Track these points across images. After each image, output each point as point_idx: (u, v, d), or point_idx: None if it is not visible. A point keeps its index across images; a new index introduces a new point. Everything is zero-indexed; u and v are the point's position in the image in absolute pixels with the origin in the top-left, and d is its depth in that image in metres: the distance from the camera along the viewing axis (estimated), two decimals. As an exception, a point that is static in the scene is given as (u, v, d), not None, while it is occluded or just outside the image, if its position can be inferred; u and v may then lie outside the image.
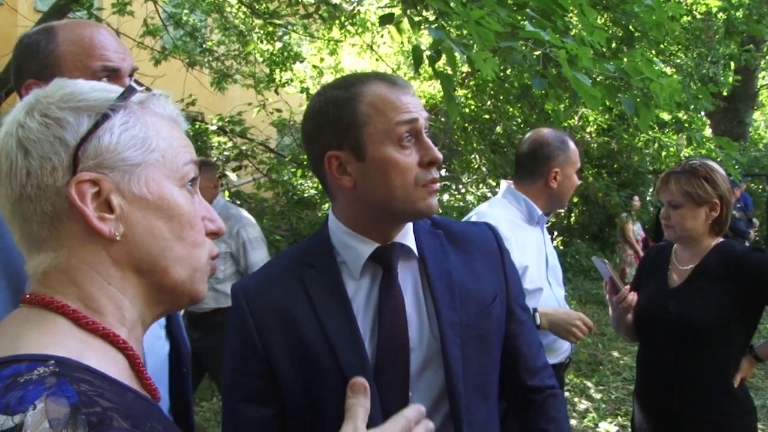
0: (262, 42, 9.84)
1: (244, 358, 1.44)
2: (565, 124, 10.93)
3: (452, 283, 1.50)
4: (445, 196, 9.57)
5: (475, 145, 10.49)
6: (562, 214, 14.58)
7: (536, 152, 2.93)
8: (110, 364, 0.84)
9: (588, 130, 12.32)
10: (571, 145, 2.97)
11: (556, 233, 14.23)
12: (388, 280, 1.46)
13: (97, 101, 0.88)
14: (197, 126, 8.54)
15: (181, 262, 0.94)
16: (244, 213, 4.38)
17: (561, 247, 13.27)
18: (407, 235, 1.51)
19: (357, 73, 1.53)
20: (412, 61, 3.58)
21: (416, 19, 3.26)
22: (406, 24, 3.71)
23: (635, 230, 10.24)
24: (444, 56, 2.95)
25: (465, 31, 3.07)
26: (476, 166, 10.85)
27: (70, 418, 0.69)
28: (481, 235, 1.64)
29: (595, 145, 12.54)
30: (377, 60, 11.11)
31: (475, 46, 3.01)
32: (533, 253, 2.85)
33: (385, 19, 3.61)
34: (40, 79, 1.50)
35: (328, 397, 1.35)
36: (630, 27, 4.49)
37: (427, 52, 3.14)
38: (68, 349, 0.80)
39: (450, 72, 3.52)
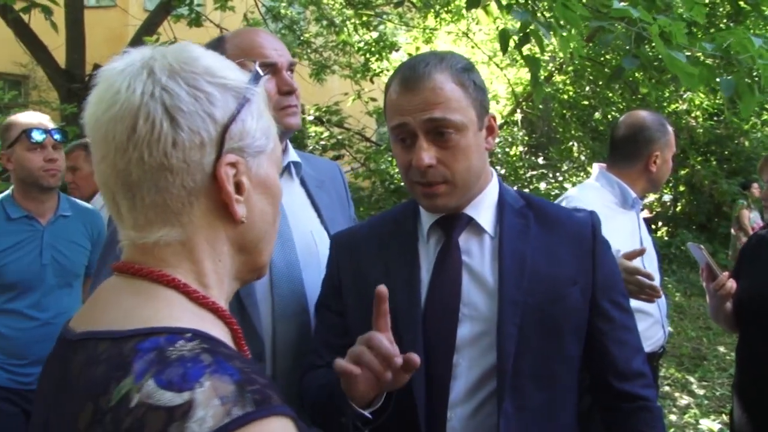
0: (357, 32, 9.96)
1: (327, 284, 1.69)
2: (669, 109, 10.49)
3: (524, 263, 1.48)
4: (542, 185, 9.41)
5: (573, 132, 10.23)
6: (668, 204, 14.00)
7: (636, 135, 2.86)
8: (224, 337, 0.86)
9: (694, 114, 11.75)
10: (670, 128, 2.90)
11: (660, 223, 13.69)
12: (446, 248, 1.54)
13: (236, 81, 0.89)
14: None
15: (270, 245, 0.99)
16: None
17: (666, 238, 12.76)
18: (479, 209, 1.54)
19: (404, 63, 1.54)
20: (509, 53, 3.54)
21: (504, 2, 3.22)
22: (493, 7, 3.68)
23: (752, 218, 9.64)
24: (532, 39, 2.91)
25: (553, 13, 3.01)
26: (575, 153, 10.59)
27: (238, 396, 0.71)
28: (577, 220, 1.57)
29: (702, 131, 11.94)
30: (473, 47, 11.02)
31: (566, 28, 2.95)
32: (626, 237, 2.78)
33: (472, 3, 3.58)
34: None
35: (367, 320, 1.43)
36: (739, -1, 4.23)
37: (515, 36, 3.10)
38: (190, 322, 0.82)
39: (537, 55, 3.47)
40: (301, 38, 10.30)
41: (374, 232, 1.67)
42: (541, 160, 10.71)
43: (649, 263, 2.87)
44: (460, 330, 1.48)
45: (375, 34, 10.23)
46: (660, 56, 2.60)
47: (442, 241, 1.55)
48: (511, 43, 3.08)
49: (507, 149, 9.94)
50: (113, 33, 11.26)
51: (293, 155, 1.94)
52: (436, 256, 1.55)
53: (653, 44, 2.46)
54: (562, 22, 2.87)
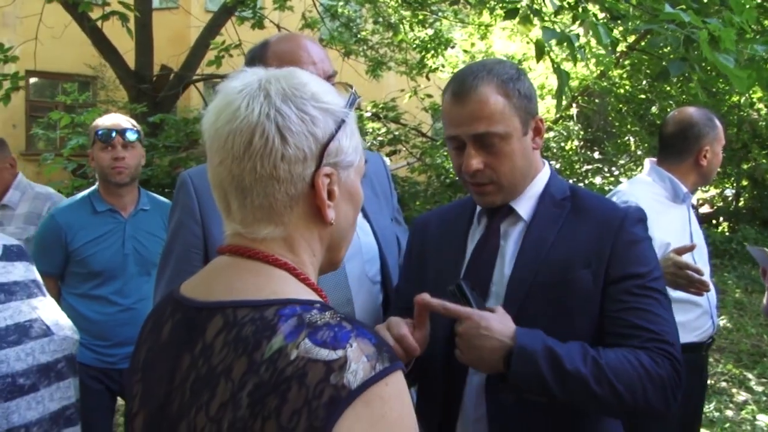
0: (412, 29, 10.06)
1: (404, 256, 1.96)
2: (730, 102, 10.27)
3: (542, 247, 1.62)
4: (598, 179, 9.36)
5: (629, 126, 10.13)
6: (730, 198, 13.69)
7: (686, 132, 2.94)
8: None
9: (756, 107, 11.46)
10: (718, 122, 2.97)
11: (721, 218, 13.40)
12: (486, 234, 1.73)
13: (335, 106, 1.05)
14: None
15: (347, 242, 1.18)
16: (52, 190, 3.91)
17: (727, 233, 12.48)
18: (521, 199, 1.70)
19: (457, 73, 1.71)
20: (565, 45, 3.61)
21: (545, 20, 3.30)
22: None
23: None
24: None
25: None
26: (632, 148, 10.48)
27: (378, 354, 0.90)
28: (610, 210, 1.65)
29: (765, 123, 11.64)
30: (528, 43, 10.99)
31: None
32: (676, 231, 2.86)
33: (510, 14, 3.67)
34: None
35: (423, 288, 1.61)
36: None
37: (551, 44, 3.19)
38: (310, 296, 1.02)
39: (572, 63, 3.53)
40: (358, 36, 10.45)
41: (444, 215, 1.90)
42: (596, 155, 10.62)
43: (699, 257, 2.93)
44: (488, 305, 1.62)
45: (430, 31, 10.32)
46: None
47: (485, 227, 1.75)
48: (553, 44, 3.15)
49: (562, 143, 9.90)
50: (176, 34, 11.63)
51: None
52: (478, 240, 1.74)
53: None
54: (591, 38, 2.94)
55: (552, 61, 3.30)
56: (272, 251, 1.05)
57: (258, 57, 1.91)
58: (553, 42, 3.35)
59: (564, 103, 10.49)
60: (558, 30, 3.40)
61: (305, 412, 0.85)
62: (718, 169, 3.10)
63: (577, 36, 3.35)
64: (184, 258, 1.89)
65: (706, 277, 2.90)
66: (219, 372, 0.93)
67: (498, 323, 1.50)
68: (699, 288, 2.44)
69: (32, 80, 13.65)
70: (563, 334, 1.52)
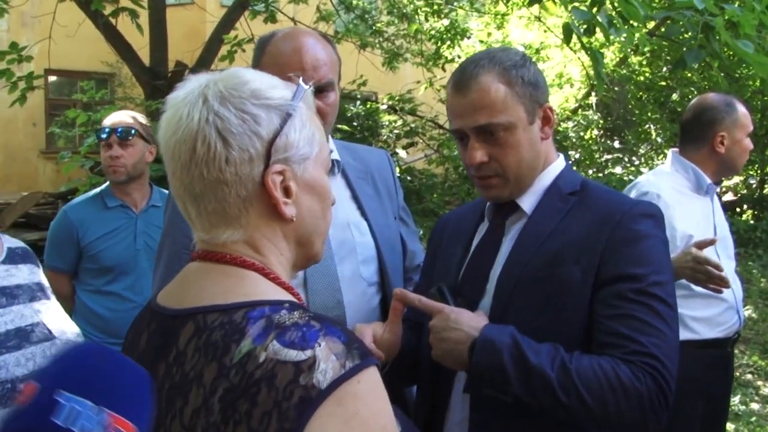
0: (427, 20, 9.98)
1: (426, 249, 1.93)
2: (754, 87, 10.06)
3: (537, 241, 1.53)
4: (618, 169, 9.22)
5: (649, 114, 9.96)
6: (754, 186, 13.45)
7: (700, 117, 2.86)
8: None
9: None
10: (739, 107, 2.85)
11: (745, 206, 13.17)
12: (489, 229, 1.68)
13: (280, 100, 1.04)
14: (368, 106, 8.89)
15: (321, 235, 1.15)
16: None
17: (751, 221, 12.26)
18: (526, 195, 1.62)
19: (461, 63, 1.66)
20: (606, 38, 3.53)
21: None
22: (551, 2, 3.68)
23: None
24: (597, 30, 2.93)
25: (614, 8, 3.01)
26: (653, 136, 10.32)
27: (348, 352, 0.89)
28: (613, 206, 1.53)
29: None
30: (545, 31, 10.85)
31: (629, 23, 2.96)
32: (698, 222, 2.78)
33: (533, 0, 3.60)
34: None
35: (429, 286, 1.63)
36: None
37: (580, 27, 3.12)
38: (280, 296, 1.01)
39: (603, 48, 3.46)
40: (373, 28, 10.38)
41: (461, 213, 1.86)
42: (616, 144, 10.47)
43: (723, 250, 2.85)
44: (482, 303, 1.58)
45: (446, 22, 10.22)
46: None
47: (489, 223, 1.70)
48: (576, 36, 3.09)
49: (581, 133, 9.77)
50: (192, 30, 11.63)
51: (333, 154, 1.96)
52: (481, 237, 1.69)
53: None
54: (624, 17, 2.87)
55: (582, 43, 3.21)
56: (239, 253, 1.04)
57: (261, 48, 1.88)
58: (582, 26, 3.25)
59: (583, 92, 10.38)
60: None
61: (275, 414, 0.85)
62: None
63: (611, 18, 3.27)
64: (175, 257, 1.85)
65: (730, 271, 2.82)
66: (191, 378, 0.93)
67: (468, 317, 1.46)
68: (718, 284, 2.36)
69: (51, 78, 13.75)
70: (549, 332, 1.44)
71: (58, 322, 1.95)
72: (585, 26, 3.19)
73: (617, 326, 1.40)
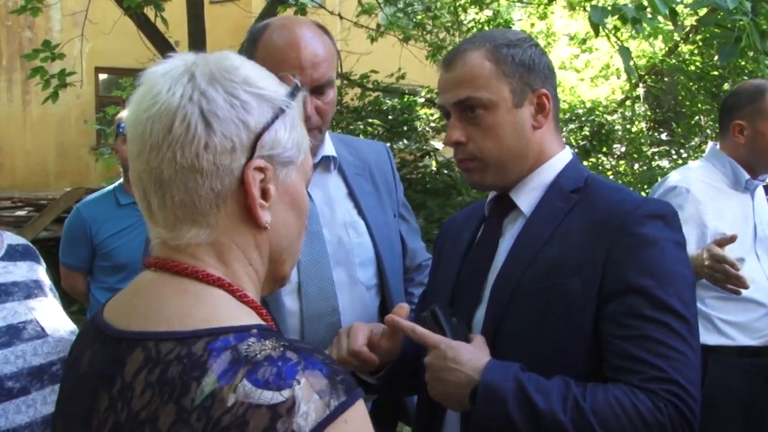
0: (465, 11, 9.82)
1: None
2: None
3: (534, 248, 1.41)
4: (665, 162, 8.91)
5: (699, 105, 9.60)
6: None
7: (725, 103, 2.72)
8: None
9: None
10: None
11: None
12: (485, 231, 1.58)
13: (273, 93, 0.94)
14: (406, 99, 8.80)
15: (293, 257, 1.03)
16: None
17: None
18: (523, 191, 1.51)
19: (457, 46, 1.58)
20: (633, 28, 3.40)
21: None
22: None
23: None
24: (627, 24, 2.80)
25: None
26: (705, 128, 9.94)
27: (332, 388, 0.78)
28: (614, 210, 1.38)
29: None
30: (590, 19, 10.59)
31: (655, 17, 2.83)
32: (736, 220, 2.60)
33: None
34: None
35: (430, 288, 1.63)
36: None
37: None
38: (246, 319, 0.88)
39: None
40: (415, 21, 10.27)
41: (469, 212, 1.77)
42: (664, 136, 10.13)
43: (765, 251, 2.66)
44: (478, 311, 1.48)
45: (489, 13, 10.05)
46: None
47: (486, 222, 1.60)
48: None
49: (628, 126, 9.48)
50: (236, 25, 11.71)
51: (329, 149, 1.87)
52: (478, 237, 1.60)
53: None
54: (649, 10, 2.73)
55: (607, 37, 3.09)
56: (203, 262, 0.91)
57: (253, 40, 1.76)
58: (610, 21, 3.13)
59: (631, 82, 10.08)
60: (609, 8, 3.20)
61: None
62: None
63: (644, 7, 3.12)
64: None
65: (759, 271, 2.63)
66: (142, 420, 0.80)
67: (468, 354, 1.32)
68: (736, 284, 2.17)
69: (102, 76, 14.07)
70: (546, 349, 1.34)
71: (53, 320, 1.93)
72: (616, 18, 3.06)
73: (631, 349, 1.27)
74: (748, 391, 2.52)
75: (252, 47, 1.74)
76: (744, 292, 2.50)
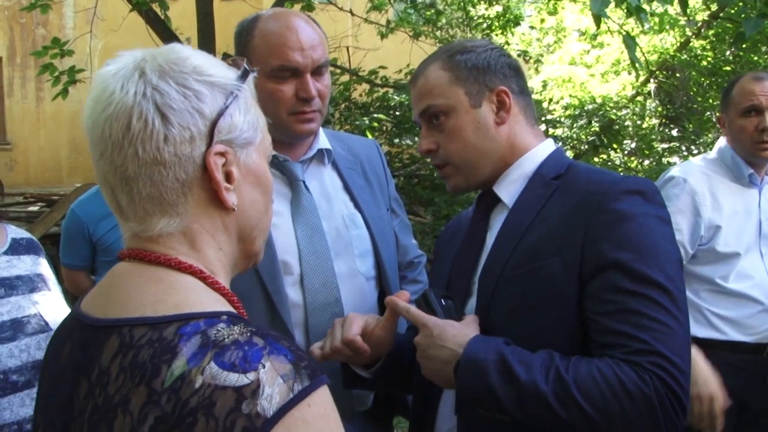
0: (474, 7, 9.79)
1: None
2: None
3: (516, 235, 1.44)
4: (675, 158, 8.85)
5: (711, 101, 9.52)
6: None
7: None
8: None
9: None
10: (741, 81, 2.63)
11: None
12: (474, 223, 1.61)
13: (223, 79, 0.96)
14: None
15: (263, 233, 1.06)
16: None
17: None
18: (504, 183, 1.55)
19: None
20: (637, 18, 3.39)
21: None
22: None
23: None
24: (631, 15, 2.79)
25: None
26: (715, 124, 9.86)
27: (296, 373, 0.81)
28: (592, 189, 1.38)
29: None
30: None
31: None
32: (736, 215, 2.60)
33: None
34: None
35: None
36: None
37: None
38: (216, 306, 0.91)
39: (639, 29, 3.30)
40: (424, 16, 10.25)
41: (467, 213, 1.77)
42: (675, 132, 10.06)
43: (768, 246, 2.65)
44: (469, 303, 1.52)
45: (499, 8, 10.01)
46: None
47: (473, 217, 1.64)
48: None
49: (638, 122, 9.41)
50: (246, 22, 11.76)
51: (324, 142, 1.91)
52: (467, 232, 1.63)
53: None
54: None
55: (611, 31, 3.09)
56: (175, 250, 0.94)
57: (245, 32, 1.79)
58: (612, 10, 3.12)
59: (641, 78, 10.01)
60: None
61: None
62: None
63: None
64: None
65: None
66: (116, 403, 0.83)
67: (453, 331, 1.35)
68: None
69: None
70: (532, 334, 1.35)
71: (56, 314, 1.97)
72: (624, 9, 3.04)
73: (614, 323, 1.27)
74: (743, 388, 2.49)
75: (246, 38, 1.78)
76: (740, 288, 2.51)
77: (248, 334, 0.83)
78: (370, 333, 1.52)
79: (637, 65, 3.16)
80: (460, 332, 1.35)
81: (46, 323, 1.92)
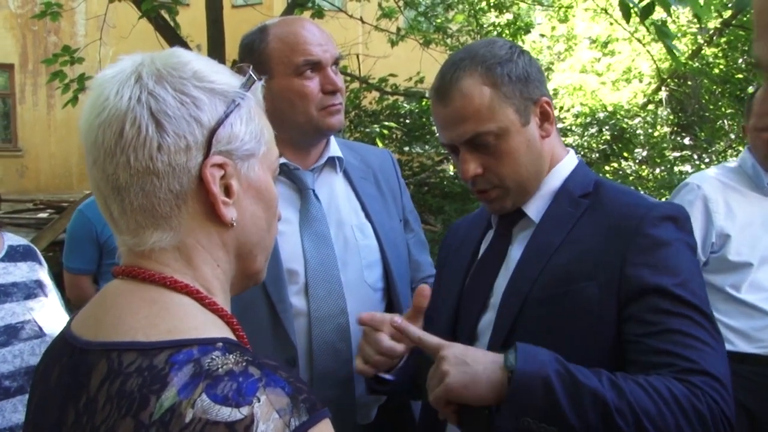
0: (485, 13, 9.78)
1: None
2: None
3: (545, 254, 1.37)
4: (687, 167, 8.77)
5: (723, 109, 9.45)
6: None
7: None
8: None
9: None
10: (759, 93, 2.68)
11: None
12: (494, 238, 1.54)
13: (225, 86, 0.90)
14: (424, 103, 8.77)
15: (265, 251, 1.00)
16: None
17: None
18: (531, 201, 1.46)
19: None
20: (652, 28, 3.34)
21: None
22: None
23: None
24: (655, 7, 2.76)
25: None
26: (729, 132, 9.78)
27: (293, 407, 0.75)
28: (628, 212, 1.34)
29: None
30: (611, 24, 10.46)
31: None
32: (751, 225, 2.54)
33: None
34: None
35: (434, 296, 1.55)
36: None
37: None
38: (212, 331, 0.85)
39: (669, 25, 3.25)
40: (434, 24, 10.26)
41: (473, 218, 1.72)
42: (687, 141, 9.99)
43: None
44: (484, 318, 1.45)
45: (509, 16, 10.00)
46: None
47: (495, 231, 1.56)
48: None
49: (650, 130, 9.35)
50: (257, 30, 11.80)
51: (335, 150, 1.89)
52: (487, 246, 1.55)
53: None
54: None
55: (643, 23, 3.04)
56: (170, 267, 0.88)
57: (258, 40, 1.77)
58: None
59: (653, 87, 9.96)
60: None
61: None
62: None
63: None
64: None
65: None
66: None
67: (474, 349, 1.28)
68: None
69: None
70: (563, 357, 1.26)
71: (52, 320, 1.94)
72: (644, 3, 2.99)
73: (659, 343, 1.22)
74: (755, 401, 2.44)
75: (260, 46, 1.77)
76: (752, 300, 2.46)
77: (244, 363, 0.78)
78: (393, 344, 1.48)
79: (675, 52, 3.09)
80: (481, 350, 1.28)
81: (41, 329, 1.90)
